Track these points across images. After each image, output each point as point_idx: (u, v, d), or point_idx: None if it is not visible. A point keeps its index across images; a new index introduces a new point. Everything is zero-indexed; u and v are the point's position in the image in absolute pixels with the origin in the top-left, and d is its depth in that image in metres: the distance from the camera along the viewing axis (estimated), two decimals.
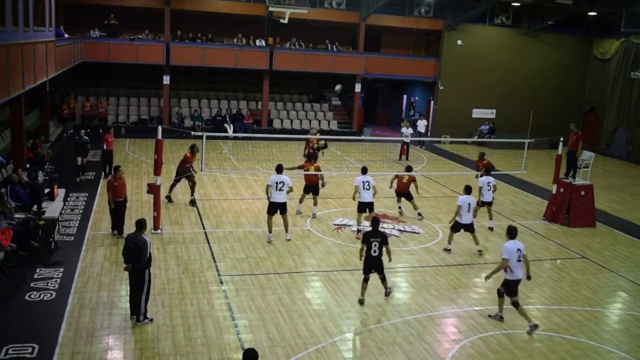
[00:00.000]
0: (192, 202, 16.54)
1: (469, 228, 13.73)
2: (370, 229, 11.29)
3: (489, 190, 15.61)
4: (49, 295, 10.42)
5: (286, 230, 13.98)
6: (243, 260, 12.71)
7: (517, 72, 31.46)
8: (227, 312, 10.23)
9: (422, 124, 28.51)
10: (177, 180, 16.62)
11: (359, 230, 14.48)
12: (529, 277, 10.39)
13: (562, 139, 17.01)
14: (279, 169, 13.64)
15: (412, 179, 16.44)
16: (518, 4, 29.82)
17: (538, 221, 17.20)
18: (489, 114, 31.89)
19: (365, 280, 10.93)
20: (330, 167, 22.68)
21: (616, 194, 21.91)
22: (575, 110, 32.59)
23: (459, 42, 30.77)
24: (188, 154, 16.39)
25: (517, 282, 10.27)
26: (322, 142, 21.19)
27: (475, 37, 30.90)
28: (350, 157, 25.33)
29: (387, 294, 11.25)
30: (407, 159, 25.24)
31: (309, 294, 11.25)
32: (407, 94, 35.61)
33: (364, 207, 14.49)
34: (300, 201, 16.33)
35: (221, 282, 11.45)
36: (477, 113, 31.84)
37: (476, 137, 30.69)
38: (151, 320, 9.65)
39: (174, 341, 9.13)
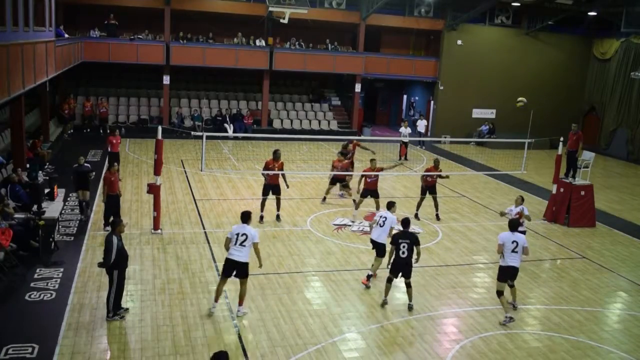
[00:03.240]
0: (278, 217, 15.52)
1: None
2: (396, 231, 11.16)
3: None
4: (49, 295, 10.42)
5: (239, 303, 10.24)
6: None
7: (517, 72, 31.45)
8: (227, 312, 10.23)
9: (422, 124, 28.52)
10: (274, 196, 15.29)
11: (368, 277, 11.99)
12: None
13: (562, 139, 17.02)
14: (245, 217, 10.26)
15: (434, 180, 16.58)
16: (518, 4, 29.81)
17: (538, 221, 17.18)
18: (489, 114, 31.89)
19: (389, 280, 10.84)
20: (329, 167, 22.66)
21: (616, 194, 21.91)
22: (575, 110, 32.59)
23: (459, 42, 30.77)
24: (269, 160, 15.31)
25: (511, 268, 10.56)
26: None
27: (475, 37, 30.89)
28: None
29: (410, 307, 10.81)
30: (405, 158, 25.25)
31: (309, 294, 11.25)
32: (407, 94, 35.61)
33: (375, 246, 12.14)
34: (357, 207, 16.15)
35: None
36: (477, 113, 31.84)
37: (476, 137, 30.73)
38: (122, 317, 9.70)
39: (174, 341, 9.13)
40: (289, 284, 11.61)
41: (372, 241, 11.83)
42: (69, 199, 15.80)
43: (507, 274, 10.61)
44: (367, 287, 11.64)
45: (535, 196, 20.17)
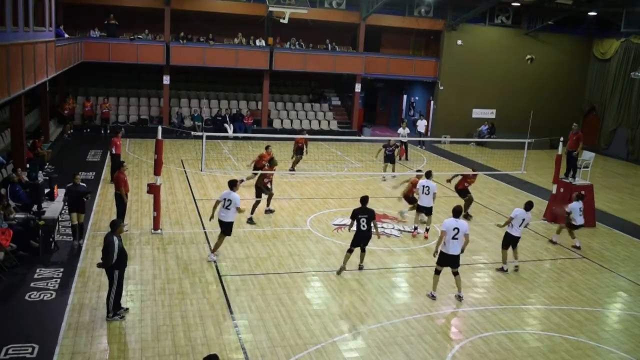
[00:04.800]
0: (268, 211, 15.92)
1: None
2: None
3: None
4: (49, 295, 10.43)
5: (212, 251, 12.64)
6: (243, 260, 12.71)
7: (517, 72, 31.46)
8: (227, 312, 10.23)
9: (422, 124, 28.53)
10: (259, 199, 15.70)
11: (415, 228, 15.15)
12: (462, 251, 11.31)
13: (562, 139, 17.03)
14: (231, 185, 12.50)
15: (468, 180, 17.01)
16: (518, 4, 29.82)
17: (538, 221, 17.18)
18: (489, 114, 31.90)
19: (349, 251, 12.19)
20: (330, 167, 22.70)
21: (616, 194, 21.91)
22: (575, 110, 32.59)
23: (459, 42, 30.78)
24: (267, 167, 16.04)
25: (450, 257, 11.18)
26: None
27: (475, 37, 30.90)
28: (350, 157, 25.33)
29: (361, 267, 12.50)
30: (406, 158, 25.25)
31: (309, 294, 11.25)
32: (407, 94, 35.60)
33: (422, 210, 14.94)
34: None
35: (221, 282, 11.45)
36: (477, 113, 31.84)
37: (476, 137, 30.74)
38: (122, 317, 9.71)
39: (174, 341, 9.14)
40: (289, 284, 11.62)
41: (423, 207, 14.66)
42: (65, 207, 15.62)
43: (444, 260, 11.25)
44: (426, 237, 14.72)
45: (535, 196, 20.13)
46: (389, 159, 21.26)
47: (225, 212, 12.29)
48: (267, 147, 17.71)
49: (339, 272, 12.20)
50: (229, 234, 12.58)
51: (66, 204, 13.41)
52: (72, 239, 13.04)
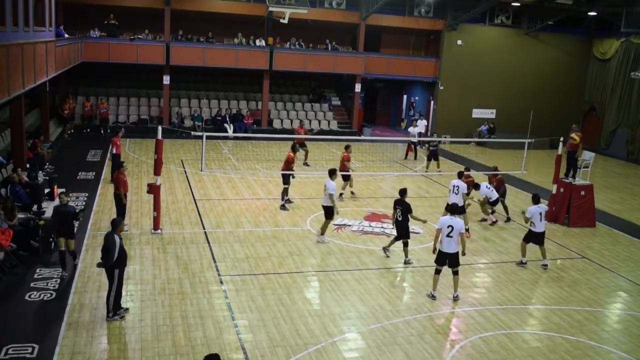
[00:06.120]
0: (283, 207, 16.68)
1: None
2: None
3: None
4: (49, 295, 10.43)
5: (321, 233, 14.23)
6: (243, 260, 12.71)
7: (517, 72, 31.46)
8: (227, 312, 10.23)
9: (422, 124, 28.52)
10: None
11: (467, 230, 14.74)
12: (463, 253, 11.38)
13: (562, 139, 17.01)
14: (330, 173, 14.15)
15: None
16: (518, 4, 29.81)
17: None
18: (489, 114, 31.89)
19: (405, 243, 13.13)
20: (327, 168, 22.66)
21: (616, 194, 21.91)
22: (575, 110, 32.59)
23: (459, 42, 30.77)
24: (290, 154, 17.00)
25: (446, 254, 11.18)
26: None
27: (475, 37, 30.89)
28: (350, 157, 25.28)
29: (406, 262, 13.02)
30: (415, 158, 25.23)
31: (309, 294, 11.25)
32: (407, 94, 35.60)
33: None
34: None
35: (221, 282, 11.45)
36: (477, 113, 31.83)
37: (476, 137, 30.73)
38: (122, 317, 9.70)
39: (174, 341, 9.14)
40: (289, 284, 11.62)
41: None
42: (68, 198, 15.63)
43: (441, 258, 11.28)
44: (468, 237, 14.32)
45: None
46: (433, 155, 22.12)
47: (324, 197, 13.93)
48: (346, 147, 18.67)
49: (385, 249, 13.43)
50: (328, 218, 13.96)
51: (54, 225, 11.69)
52: (60, 269, 11.19)
